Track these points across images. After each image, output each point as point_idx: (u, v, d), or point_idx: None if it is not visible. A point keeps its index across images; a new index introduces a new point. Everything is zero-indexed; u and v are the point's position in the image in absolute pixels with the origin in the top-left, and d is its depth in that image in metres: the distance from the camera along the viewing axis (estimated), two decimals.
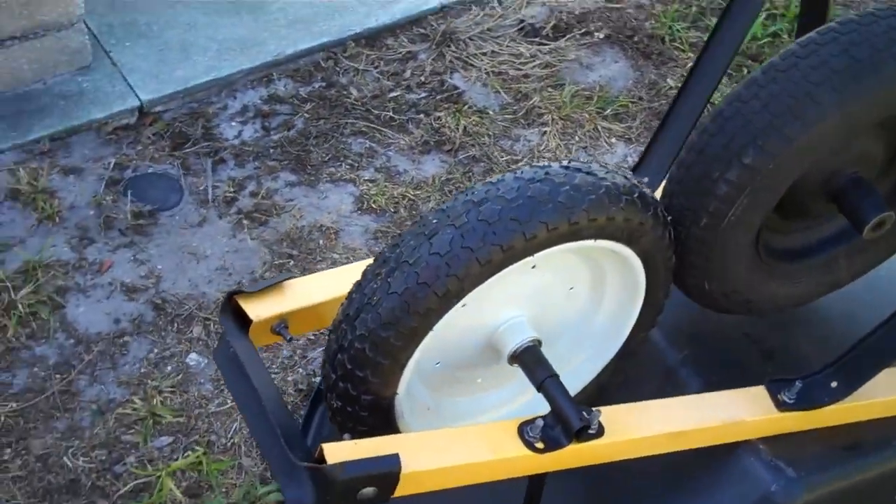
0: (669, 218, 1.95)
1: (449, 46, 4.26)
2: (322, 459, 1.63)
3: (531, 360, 1.92)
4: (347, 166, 3.77)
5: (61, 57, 3.96)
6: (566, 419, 1.82)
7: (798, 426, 2.16)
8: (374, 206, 3.63)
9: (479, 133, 3.91)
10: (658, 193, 2.09)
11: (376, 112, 3.98)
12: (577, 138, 3.93)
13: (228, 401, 3.05)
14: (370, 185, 3.71)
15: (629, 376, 2.28)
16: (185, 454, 2.92)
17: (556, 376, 1.88)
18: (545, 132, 3.94)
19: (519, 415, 2.06)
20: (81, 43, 3.99)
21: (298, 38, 4.25)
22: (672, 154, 2.25)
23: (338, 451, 1.65)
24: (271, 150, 3.81)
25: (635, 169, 2.31)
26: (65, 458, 2.89)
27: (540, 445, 1.82)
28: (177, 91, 3.99)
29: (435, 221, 1.73)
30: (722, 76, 2.29)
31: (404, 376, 1.83)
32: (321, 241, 3.48)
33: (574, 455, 1.87)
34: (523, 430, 1.85)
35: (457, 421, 2.10)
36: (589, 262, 1.97)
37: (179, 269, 3.39)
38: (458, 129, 3.90)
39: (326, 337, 1.84)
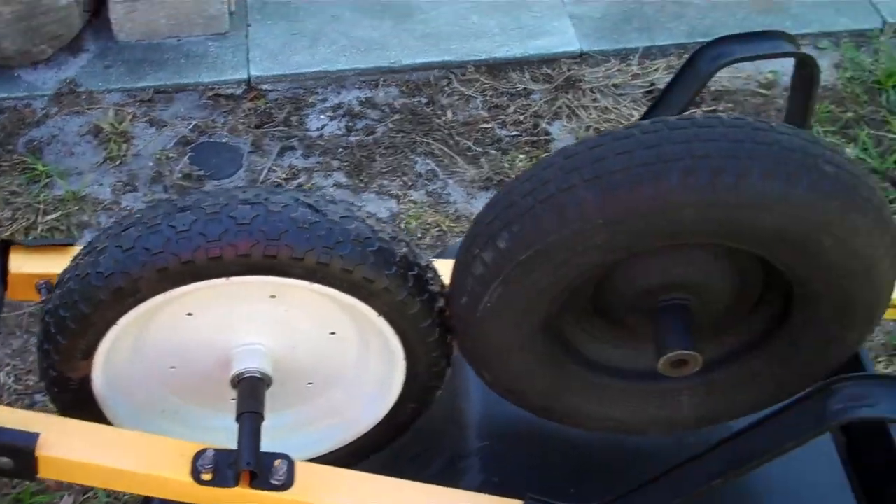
0: (436, 287, 1.77)
1: (567, 93, 4.09)
2: None
3: (246, 390, 1.81)
4: (401, 183, 3.72)
5: (198, 20, 4.19)
6: (239, 460, 1.71)
7: None
8: (402, 226, 3.56)
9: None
10: None
11: (458, 138, 3.89)
12: None
13: None
14: (412, 205, 3.64)
15: (408, 446, 2.10)
16: None
17: (258, 415, 1.77)
18: None
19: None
20: (220, 10, 4.20)
21: (423, 50, 4.24)
22: None
23: None
24: (340, 150, 3.83)
25: None
26: None
27: (206, 477, 1.73)
28: (286, 74, 4.11)
29: (137, 216, 1.69)
30: None
31: (96, 364, 1.79)
32: None
33: (241, 500, 1.76)
34: (198, 455, 1.76)
35: (199, 433, 2.03)
36: (349, 312, 1.83)
37: None
38: None
39: None
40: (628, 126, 1.59)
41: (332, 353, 1.90)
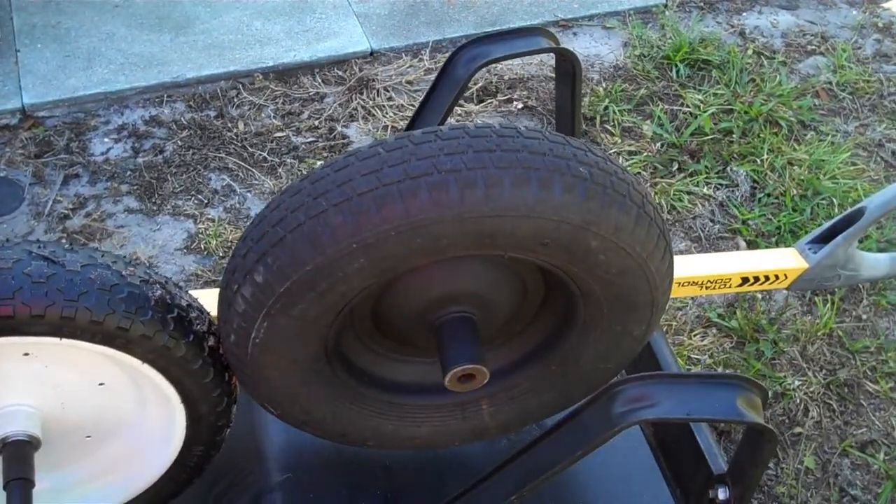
0: (202, 326, 1.66)
1: (361, 94, 4.01)
2: None
3: (13, 455, 1.66)
4: (196, 202, 3.56)
5: None
6: None
7: None
8: (203, 246, 3.40)
9: None
10: None
11: (251, 150, 3.75)
12: None
13: None
14: (210, 224, 3.48)
15: (215, 484, 1.98)
16: None
17: (28, 481, 1.63)
18: None
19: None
20: None
21: (207, 62, 4.08)
22: None
23: None
24: (128, 173, 3.64)
25: None
26: None
27: None
28: (62, 99, 3.88)
29: None
30: None
31: None
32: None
33: None
34: None
35: None
36: (112, 359, 1.69)
37: None
38: None
39: None
40: (372, 144, 1.52)
41: (105, 403, 1.78)
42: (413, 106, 3.95)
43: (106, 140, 3.77)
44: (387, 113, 3.94)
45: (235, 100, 3.95)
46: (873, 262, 2.33)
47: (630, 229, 1.51)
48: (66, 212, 3.48)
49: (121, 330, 1.56)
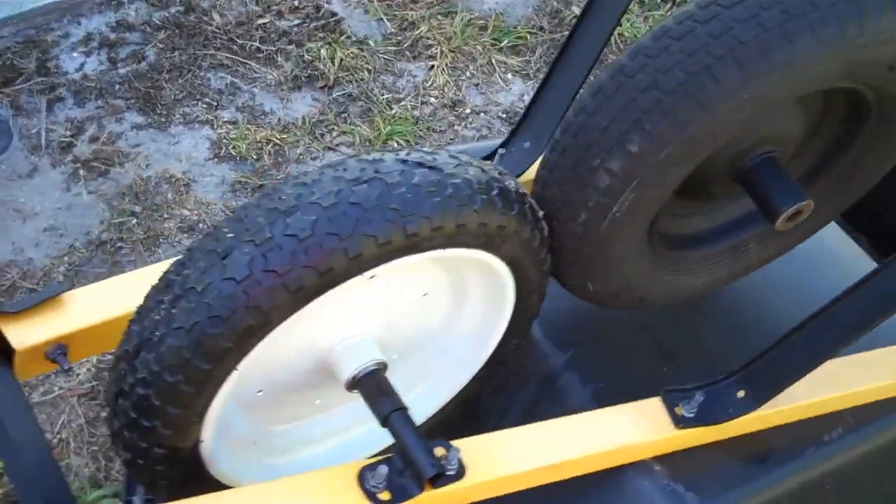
0: (542, 213, 1.56)
1: None
2: None
3: (373, 388, 1.53)
4: (205, 105, 3.30)
5: None
6: (416, 464, 1.45)
7: (699, 441, 1.82)
8: (233, 151, 3.18)
9: (357, 67, 3.46)
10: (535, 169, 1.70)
11: (241, 42, 3.49)
12: (468, 73, 3.49)
13: (56, 388, 2.63)
14: (230, 127, 3.24)
15: (500, 387, 1.91)
16: None
17: (404, 409, 1.51)
18: (432, 66, 3.49)
19: (364, 440, 1.73)
20: None
21: None
22: (558, 114, 1.84)
23: None
24: (117, 87, 3.32)
25: (515, 133, 1.89)
26: None
27: (384, 497, 1.45)
28: (10, 16, 3.46)
29: (231, 235, 1.33)
30: (622, 14, 1.88)
31: (208, 422, 1.45)
32: (170, 195, 3.02)
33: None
34: (364, 477, 1.46)
35: (289, 453, 1.72)
36: (444, 265, 1.58)
37: (1, 229, 2.92)
38: (333, 62, 3.45)
39: None
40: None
41: (427, 313, 1.68)
42: None
43: (75, 55, 3.41)
44: None
45: None
46: None
47: None
48: (66, 140, 3.15)
49: (499, 229, 1.46)
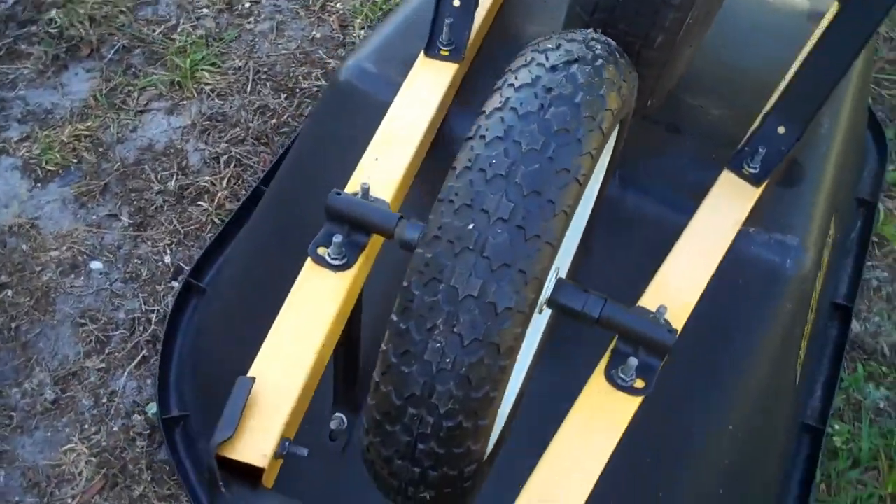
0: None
1: None
2: None
3: (568, 296, 1.47)
4: None
5: None
6: (654, 341, 1.49)
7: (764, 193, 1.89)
8: (49, 167, 2.76)
9: (110, 15, 3.04)
10: None
11: None
12: None
13: None
14: (27, 144, 2.80)
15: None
16: None
17: (607, 299, 1.47)
18: None
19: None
20: None
21: None
22: None
23: None
24: None
25: None
26: None
27: (640, 384, 1.51)
28: None
29: (470, 226, 1.22)
30: None
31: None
32: (24, 246, 2.60)
33: None
34: (612, 378, 1.50)
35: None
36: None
37: None
38: (79, 21, 3.01)
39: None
40: None
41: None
42: None
43: None
44: None
45: None
46: None
47: None
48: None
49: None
